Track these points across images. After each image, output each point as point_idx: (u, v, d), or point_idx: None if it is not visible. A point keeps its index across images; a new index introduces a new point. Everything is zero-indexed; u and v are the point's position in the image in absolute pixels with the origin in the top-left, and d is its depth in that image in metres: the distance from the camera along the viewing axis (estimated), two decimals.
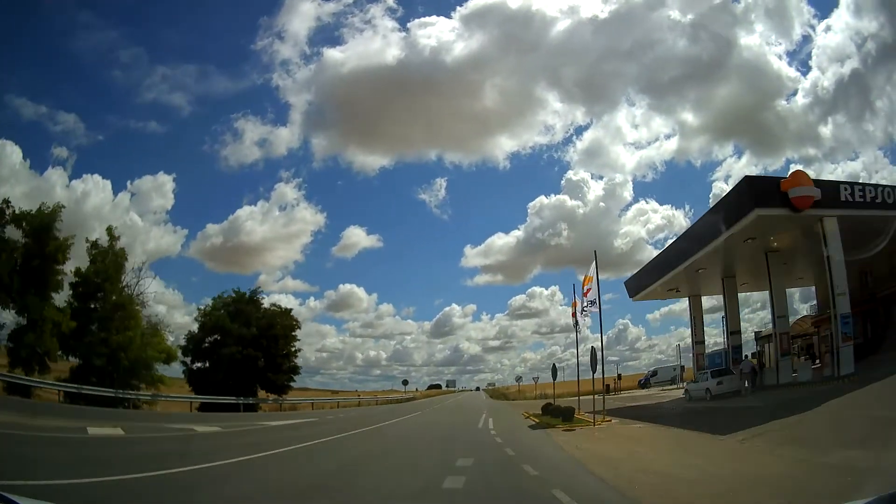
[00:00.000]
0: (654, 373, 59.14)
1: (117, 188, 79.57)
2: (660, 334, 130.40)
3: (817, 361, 27.99)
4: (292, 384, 37.99)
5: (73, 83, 73.11)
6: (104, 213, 63.11)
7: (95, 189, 64.48)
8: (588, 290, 21.05)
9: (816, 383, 22.54)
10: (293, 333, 38.23)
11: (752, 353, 29.95)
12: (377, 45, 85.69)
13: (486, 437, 15.55)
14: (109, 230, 31.02)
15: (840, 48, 66.69)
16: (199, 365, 36.72)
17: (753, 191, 22.45)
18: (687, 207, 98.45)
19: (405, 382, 68.99)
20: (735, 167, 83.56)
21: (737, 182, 24.11)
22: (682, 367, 48.64)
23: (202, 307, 37.70)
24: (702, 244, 25.67)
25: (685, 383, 29.96)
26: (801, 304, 49.00)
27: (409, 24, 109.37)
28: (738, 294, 31.83)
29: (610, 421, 19.42)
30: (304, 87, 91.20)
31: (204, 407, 33.05)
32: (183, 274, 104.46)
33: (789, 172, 23.21)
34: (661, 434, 15.52)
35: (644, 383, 57.23)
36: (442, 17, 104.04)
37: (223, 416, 27.55)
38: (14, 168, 40.75)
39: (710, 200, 78.86)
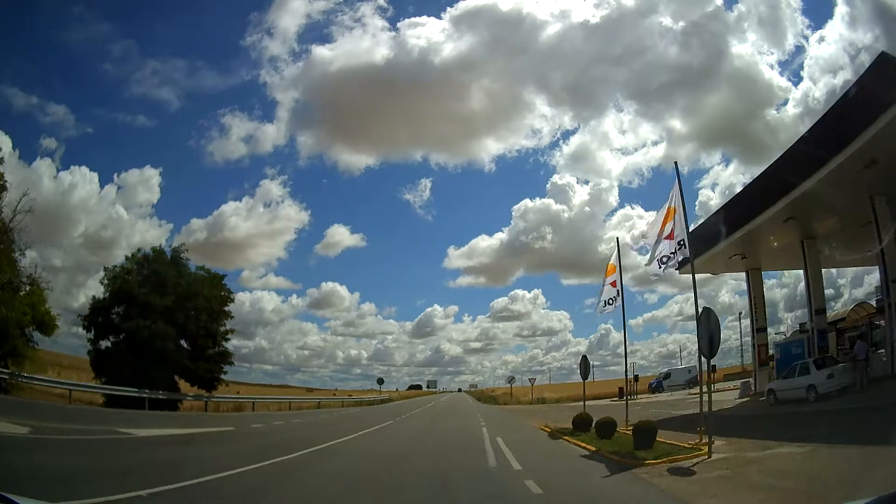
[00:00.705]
0: (668, 375, 51.53)
1: (104, 181, 79.98)
2: (641, 340, 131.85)
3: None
4: (223, 376, 28.29)
5: (65, 75, 71.93)
6: (90, 205, 64.92)
7: (82, 181, 63.79)
8: (672, 229, 12.56)
9: None
10: (225, 309, 28.44)
11: (859, 335, 21.83)
12: (366, 43, 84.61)
13: None
14: None
15: (833, 59, 64.55)
16: (106, 344, 27.46)
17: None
18: None
19: (380, 381, 59.34)
20: (722, 175, 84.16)
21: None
22: (714, 367, 40.88)
23: (111, 266, 28.25)
24: (807, 171, 17.35)
25: (772, 381, 21.66)
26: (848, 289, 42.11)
27: (398, 24, 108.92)
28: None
29: (712, 443, 10.99)
30: (292, 84, 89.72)
31: (112, 401, 24.31)
32: None
33: None
34: None
35: (656, 387, 49.45)
36: (432, 18, 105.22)
37: (104, 415, 19.05)
38: (3, 158, 35.38)
39: (696, 207, 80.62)
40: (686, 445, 10.92)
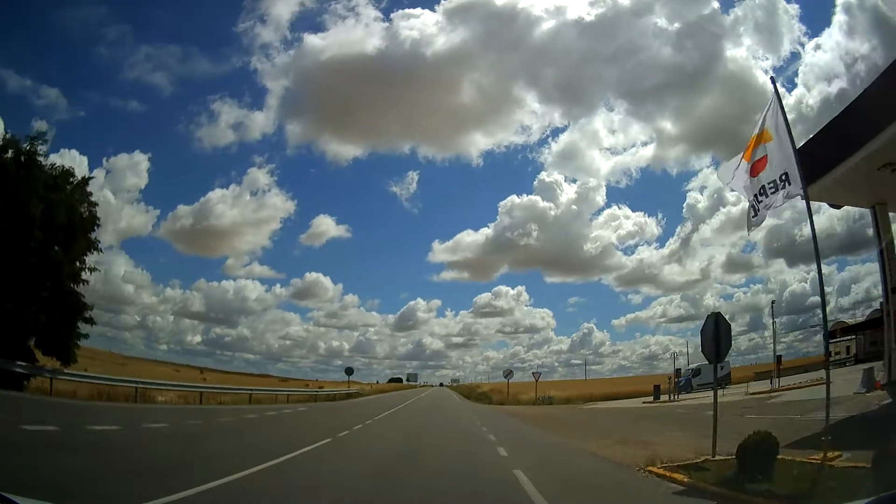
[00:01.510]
0: (697, 371, 43.00)
1: (93, 165, 78.88)
2: (624, 340, 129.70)
3: None
4: (80, 342, 18.49)
5: (59, 58, 73.72)
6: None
7: (72, 165, 52.36)
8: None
9: None
10: (89, 235, 18.24)
11: None
12: (358, 33, 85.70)
13: None
14: None
15: (828, 67, 64.58)
16: None
17: None
18: (660, 216, 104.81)
19: (349, 371, 49.52)
20: (711, 178, 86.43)
21: None
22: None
23: None
24: None
25: None
26: None
27: (392, 15, 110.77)
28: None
29: None
30: (283, 72, 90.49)
31: None
32: (152, 254, 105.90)
33: None
34: None
35: (684, 385, 40.77)
36: (426, 10, 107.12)
37: None
38: None
39: (684, 210, 78.03)
40: None
